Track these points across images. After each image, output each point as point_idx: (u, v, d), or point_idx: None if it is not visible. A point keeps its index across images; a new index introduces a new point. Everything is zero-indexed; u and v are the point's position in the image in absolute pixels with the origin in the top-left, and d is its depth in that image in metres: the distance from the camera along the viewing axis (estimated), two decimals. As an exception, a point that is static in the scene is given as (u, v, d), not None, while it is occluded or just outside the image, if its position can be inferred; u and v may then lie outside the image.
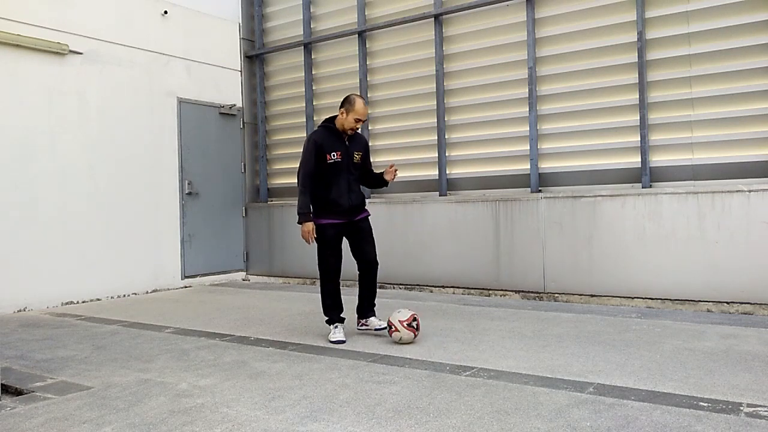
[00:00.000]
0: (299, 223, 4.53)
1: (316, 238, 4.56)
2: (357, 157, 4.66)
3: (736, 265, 5.34)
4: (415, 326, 4.37)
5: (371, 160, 5.08)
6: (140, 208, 7.41)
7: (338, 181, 4.55)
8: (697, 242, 5.51)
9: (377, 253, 4.76)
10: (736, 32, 5.54)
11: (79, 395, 3.42)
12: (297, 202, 4.53)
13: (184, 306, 6.45)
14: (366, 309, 4.77)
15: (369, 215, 4.77)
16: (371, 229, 4.75)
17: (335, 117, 4.64)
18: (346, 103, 4.54)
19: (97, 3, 7.08)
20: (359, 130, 4.75)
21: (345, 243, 4.71)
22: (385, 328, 4.52)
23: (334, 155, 4.52)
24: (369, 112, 7.68)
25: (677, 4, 5.80)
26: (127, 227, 7.27)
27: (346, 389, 3.39)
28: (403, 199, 7.32)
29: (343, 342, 4.50)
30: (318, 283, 4.91)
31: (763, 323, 4.83)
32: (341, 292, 4.71)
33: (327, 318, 4.68)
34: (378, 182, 4.85)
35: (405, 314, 4.38)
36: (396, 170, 4.73)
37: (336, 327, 4.61)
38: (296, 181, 4.64)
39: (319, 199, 4.57)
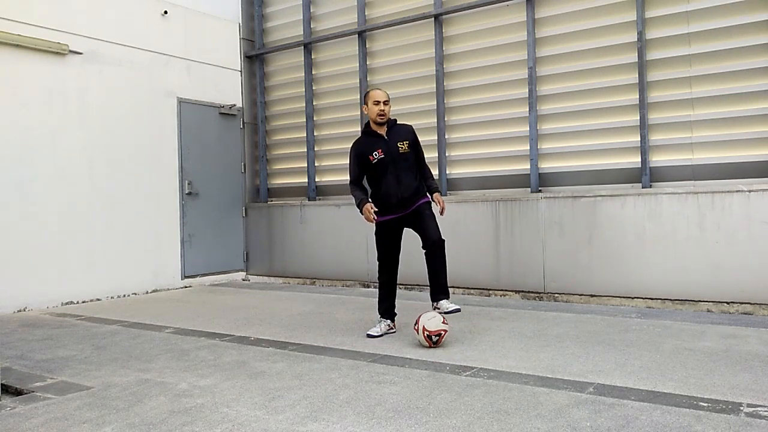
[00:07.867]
0: (362, 212, 4.60)
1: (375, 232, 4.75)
2: (402, 147, 4.65)
3: (736, 265, 5.34)
4: (434, 341, 4.23)
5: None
6: (140, 208, 7.41)
7: (386, 177, 4.63)
8: (697, 242, 5.51)
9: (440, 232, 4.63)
10: (736, 32, 5.54)
11: (79, 395, 3.42)
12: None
13: (184, 306, 6.44)
14: (434, 291, 4.55)
15: (427, 201, 4.73)
16: (432, 212, 4.69)
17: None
18: (364, 97, 4.75)
19: (97, 3, 7.07)
20: (397, 119, 4.81)
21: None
22: (457, 310, 4.43)
23: (376, 154, 4.62)
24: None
25: (677, 4, 5.80)
26: (127, 227, 7.27)
27: (346, 389, 3.39)
28: (403, 199, 7.31)
29: (375, 336, 4.63)
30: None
31: (763, 323, 4.82)
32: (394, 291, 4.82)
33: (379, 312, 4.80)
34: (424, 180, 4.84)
35: (433, 324, 4.25)
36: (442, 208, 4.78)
37: (380, 321, 4.75)
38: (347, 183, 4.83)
39: (373, 197, 4.71)
